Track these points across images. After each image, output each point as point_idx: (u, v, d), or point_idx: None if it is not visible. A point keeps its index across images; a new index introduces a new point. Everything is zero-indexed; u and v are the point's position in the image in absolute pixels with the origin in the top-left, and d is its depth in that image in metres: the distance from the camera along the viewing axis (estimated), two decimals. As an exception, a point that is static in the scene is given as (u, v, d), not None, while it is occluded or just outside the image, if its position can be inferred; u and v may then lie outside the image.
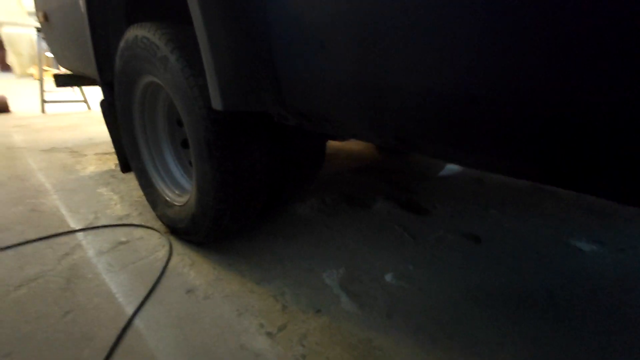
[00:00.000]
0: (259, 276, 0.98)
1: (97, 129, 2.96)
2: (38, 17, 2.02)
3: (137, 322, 0.81)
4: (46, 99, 3.76)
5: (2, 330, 0.77)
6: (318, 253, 1.10)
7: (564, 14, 0.35)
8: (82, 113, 3.88)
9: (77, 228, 1.23)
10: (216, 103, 0.72)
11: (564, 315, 0.89)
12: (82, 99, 3.99)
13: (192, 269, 1.02)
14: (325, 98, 0.64)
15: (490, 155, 0.49)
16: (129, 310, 0.85)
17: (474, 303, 0.92)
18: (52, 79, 2.32)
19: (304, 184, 1.20)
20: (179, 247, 1.12)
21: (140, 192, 1.55)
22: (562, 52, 0.36)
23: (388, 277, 0.99)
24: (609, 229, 1.37)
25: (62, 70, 3.15)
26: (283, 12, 0.62)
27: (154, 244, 1.14)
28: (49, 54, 3.91)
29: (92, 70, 1.72)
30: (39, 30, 3.72)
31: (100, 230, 1.23)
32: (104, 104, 1.30)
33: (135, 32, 0.94)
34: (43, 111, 3.75)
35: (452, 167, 2.12)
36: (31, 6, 6.13)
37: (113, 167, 1.94)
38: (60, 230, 1.21)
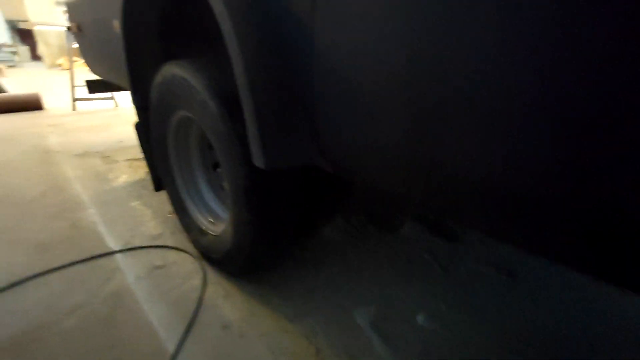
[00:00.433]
0: (291, 312, 1.00)
1: (125, 130, 3.03)
2: (72, 27, 2.06)
3: (178, 360, 0.85)
4: (76, 94, 3.88)
5: (55, 365, 0.83)
6: (348, 286, 1.11)
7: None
8: (110, 110, 3.99)
9: (115, 249, 1.28)
10: (258, 161, 0.71)
11: (605, 371, 0.86)
12: (110, 96, 4.09)
13: (226, 300, 1.04)
14: (367, 160, 0.63)
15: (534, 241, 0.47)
16: (169, 346, 0.88)
17: (508, 351, 0.90)
18: (86, 86, 2.39)
19: (335, 214, 1.20)
20: (212, 275, 1.15)
21: (169, 206, 1.59)
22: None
23: (420, 319, 0.99)
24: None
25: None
26: (331, 75, 0.60)
27: (188, 269, 1.18)
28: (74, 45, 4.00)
29: (125, 84, 1.75)
30: (68, 28, 3.81)
31: (137, 251, 1.28)
32: (138, 126, 1.32)
33: (173, 71, 0.94)
34: (74, 109, 3.88)
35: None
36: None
37: (143, 175, 2.00)
38: (100, 252, 1.26)
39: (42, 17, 8.34)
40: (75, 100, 3.84)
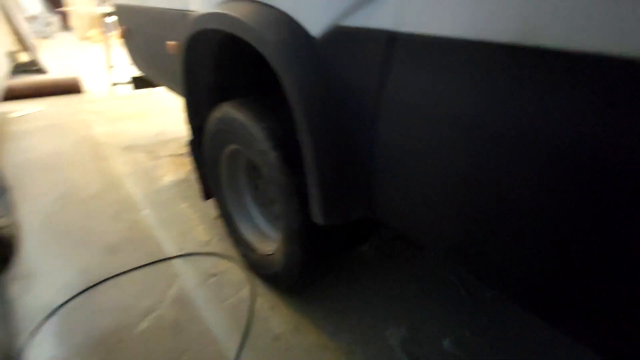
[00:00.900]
0: (331, 329, 1.14)
1: (160, 120, 3.17)
2: (121, 29, 2.16)
3: (238, 367, 1.01)
4: (113, 78, 4.03)
5: (140, 364, 1.01)
6: (380, 306, 1.23)
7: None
8: (145, 95, 4.14)
9: (172, 254, 1.45)
10: (318, 219, 0.82)
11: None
12: (144, 80, 4.22)
13: (273, 313, 1.19)
14: (418, 222, 0.72)
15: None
16: (230, 355, 1.05)
17: (525, 380, 1.01)
18: (132, 83, 2.51)
19: (372, 236, 1.30)
20: (259, 286, 1.30)
21: (215, 211, 1.73)
22: None
23: (445, 343, 1.11)
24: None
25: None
26: (393, 153, 0.68)
27: (237, 279, 1.33)
28: (109, 20, 4.08)
29: (174, 91, 1.86)
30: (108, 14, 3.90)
31: (192, 257, 1.44)
32: (192, 144, 1.44)
33: (234, 115, 1.03)
34: (112, 93, 4.05)
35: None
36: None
37: (185, 175, 2.15)
38: (160, 257, 1.43)
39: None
40: (113, 84, 4.00)
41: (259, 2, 0.83)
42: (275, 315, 1.18)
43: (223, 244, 1.52)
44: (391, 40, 0.60)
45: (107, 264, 1.39)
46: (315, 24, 0.71)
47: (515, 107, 0.48)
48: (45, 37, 9.78)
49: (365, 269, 1.40)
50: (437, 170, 0.61)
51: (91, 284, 1.28)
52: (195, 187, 1.99)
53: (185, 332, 1.11)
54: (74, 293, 1.25)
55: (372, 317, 1.19)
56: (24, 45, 4.78)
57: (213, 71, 1.23)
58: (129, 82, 2.54)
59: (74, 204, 1.79)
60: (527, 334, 1.15)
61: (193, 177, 2.09)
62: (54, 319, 1.15)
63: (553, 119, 0.45)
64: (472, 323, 1.18)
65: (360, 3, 0.63)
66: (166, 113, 3.36)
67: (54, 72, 5.01)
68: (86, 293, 1.25)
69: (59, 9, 9.80)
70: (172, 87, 1.86)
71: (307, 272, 1.06)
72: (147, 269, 1.38)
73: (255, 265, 1.30)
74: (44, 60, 5.06)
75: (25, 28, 4.65)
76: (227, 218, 1.40)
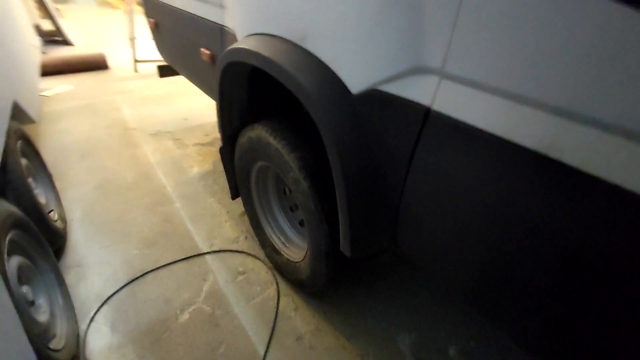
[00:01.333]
0: (348, 332, 1.27)
1: (184, 103, 3.23)
2: (148, 22, 2.18)
3: (266, 361, 1.16)
4: (137, 55, 4.07)
5: (188, 356, 1.17)
6: (393, 312, 1.35)
7: None
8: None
9: (204, 250, 1.59)
10: (345, 250, 0.91)
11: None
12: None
13: (297, 313, 1.33)
14: (440, 263, 0.81)
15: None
16: (260, 350, 1.20)
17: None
18: (157, 71, 2.57)
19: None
20: (283, 286, 1.43)
21: (241, 207, 1.85)
22: None
23: (452, 351, 1.23)
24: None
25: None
26: (418, 200, 0.76)
27: (264, 279, 1.46)
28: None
29: (202, 89, 1.93)
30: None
31: (222, 254, 1.58)
32: (223, 151, 1.52)
33: (269, 140, 1.09)
34: (136, 70, 4.11)
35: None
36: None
37: (211, 166, 2.25)
38: (194, 252, 1.57)
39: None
40: (136, 62, 4.05)
41: (299, 46, 0.87)
42: (298, 316, 1.32)
43: (249, 243, 1.65)
44: (426, 114, 0.65)
45: (146, 257, 1.54)
46: (356, 83, 0.76)
47: (523, 203, 0.55)
48: (63, 2, 9.69)
49: (381, 275, 1.51)
50: (449, 226, 0.69)
51: (135, 276, 1.44)
52: (220, 181, 2.10)
53: (221, 326, 1.27)
54: (121, 284, 1.41)
55: (386, 322, 1.31)
56: (46, 13, 4.82)
57: (246, 92, 1.28)
58: (155, 68, 2.59)
59: (111, 195, 1.94)
60: None
61: (218, 170, 2.20)
62: (106, 308, 1.31)
63: (553, 219, 0.52)
64: (477, 334, 1.29)
65: (402, 74, 0.67)
66: (190, 95, 3.42)
67: (78, 44, 5.07)
68: (131, 284, 1.41)
69: (77, -29, 9.62)
70: (202, 88, 1.91)
71: (331, 283, 1.17)
72: (183, 263, 1.52)
73: (280, 268, 1.42)
74: (66, 29, 5.10)
75: (46, -7, 4.65)
76: (254, 221, 1.51)
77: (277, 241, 1.44)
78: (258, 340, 1.23)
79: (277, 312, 1.32)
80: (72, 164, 2.21)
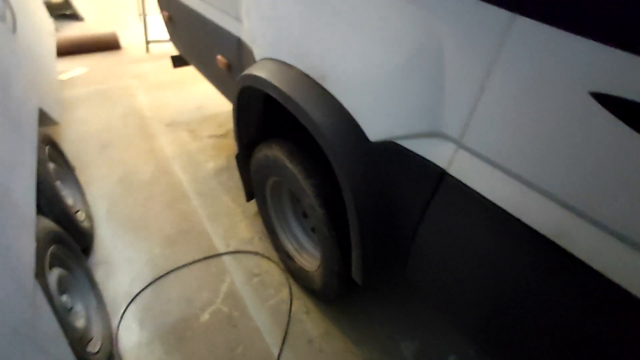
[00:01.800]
0: (355, 337, 1.36)
1: (198, 90, 3.23)
2: (162, 13, 2.15)
3: (280, 362, 1.27)
4: (149, 35, 4.02)
5: (209, 355, 1.29)
6: (399, 319, 1.43)
7: None
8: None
9: (220, 250, 1.68)
10: (357, 279, 0.97)
11: None
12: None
13: (308, 317, 1.43)
14: (443, 301, 0.87)
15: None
16: (274, 351, 1.31)
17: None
18: (170, 61, 2.56)
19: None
20: (296, 290, 1.52)
21: (255, 207, 1.91)
22: None
23: (451, 358, 1.32)
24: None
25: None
26: (428, 246, 0.80)
27: (277, 281, 1.56)
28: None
29: (214, 85, 1.93)
30: None
31: (237, 255, 1.67)
32: (238, 158, 1.56)
33: (286, 163, 1.13)
34: (147, 51, 4.07)
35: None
36: None
37: (226, 161, 2.30)
38: (211, 252, 1.67)
39: None
40: (148, 42, 4.01)
41: (318, 84, 0.88)
42: (310, 320, 1.42)
43: (263, 244, 1.73)
44: (441, 175, 0.68)
45: (168, 256, 1.65)
46: (374, 132, 0.78)
47: (523, 274, 0.59)
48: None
49: (388, 283, 1.58)
50: (454, 274, 0.75)
51: (159, 275, 1.55)
52: (234, 178, 2.15)
53: (239, 327, 1.38)
54: (146, 282, 1.52)
55: (391, 329, 1.40)
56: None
57: (262, 107, 1.30)
58: (169, 58, 2.58)
59: (133, 190, 2.02)
60: None
61: (232, 166, 2.25)
62: (134, 306, 1.43)
63: (548, 296, 0.56)
64: (477, 343, 1.37)
65: (421, 135, 0.69)
66: (202, 81, 3.38)
67: (89, 19, 5.00)
68: (156, 283, 1.52)
69: None
70: (217, 87, 1.92)
71: (343, 294, 1.25)
72: (202, 263, 1.62)
73: (293, 273, 1.51)
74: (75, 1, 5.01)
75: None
76: (269, 226, 1.58)
77: (290, 248, 1.51)
78: (272, 342, 1.34)
79: (290, 315, 1.42)
80: (93, 156, 2.29)
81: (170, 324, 1.38)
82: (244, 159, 1.54)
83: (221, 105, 2.98)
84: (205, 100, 3.08)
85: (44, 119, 1.58)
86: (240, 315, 1.42)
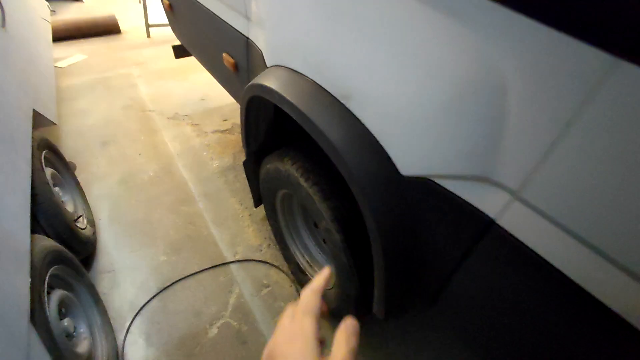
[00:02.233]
0: (369, 354, 1.31)
1: (201, 79, 3.09)
2: (162, 2, 2.00)
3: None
4: (149, 19, 3.83)
5: (214, 370, 1.25)
6: (412, 336, 1.37)
7: None
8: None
9: (228, 258, 1.62)
10: (378, 314, 0.89)
11: None
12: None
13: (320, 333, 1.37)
14: (471, 339, 0.80)
15: None
16: (285, 370, 1.26)
17: None
18: (173, 51, 2.42)
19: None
20: (306, 302, 1.46)
21: (263, 211, 1.83)
22: None
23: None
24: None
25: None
26: (462, 292, 0.73)
27: (287, 293, 1.50)
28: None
29: (213, 75, 1.82)
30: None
31: (245, 264, 1.61)
32: (246, 165, 1.47)
33: (301, 182, 1.03)
34: (148, 35, 3.90)
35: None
36: None
37: (231, 160, 2.21)
38: (218, 260, 1.60)
39: None
40: (148, 26, 3.83)
41: (340, 103, 0.77)
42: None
43: (272, 251, 1.66)
44: (488, 225, 0.58)
45: (174, 264, 1.59)
46: (408, 166, 0.68)
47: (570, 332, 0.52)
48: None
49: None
50: (487, 319, 0.68)
51: (164, 285, 1.49)
52: (240, 178, 2.07)
53: (249, 344, 1.33)
54: (152, 292, 1.47)
55: (406, 348, 1.34)
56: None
57: (272, 114, 1.19)
58: (171, 48, 2.44)
59: (135, 191, 1.95)
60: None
61: (238, 165, 2.16)
62: (140, 319, 1.38)
63: None
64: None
65: (467, 178, 0.59)
66: (205, 70, 3.26)
67: (87, 0, 4.79)
68: (161, 294, 1.47)
69: None
70: (220, 83, 1.80)
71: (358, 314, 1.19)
72: (209, 272, 1.56)
73: (303, 285, 1.44)
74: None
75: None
76: (278, 236, 1.51)
77: (301, 260, 1.44)
78: None
79: (301, 331, 1.37)
80: (94, 152, 2.21)
81: (177, 339, 1.33)
82: (252, 166, 1.45)
83: (225, 97, 2.84)
84: (208, 90, 2.95)
85: (39, 120, 1.48)
86: (249, 330, 1.37)
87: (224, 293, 1.49)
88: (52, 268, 1.02)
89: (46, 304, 0.91)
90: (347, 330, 0.36)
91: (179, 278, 1.52)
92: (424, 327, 1.41)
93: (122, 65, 3.28)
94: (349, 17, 0.69)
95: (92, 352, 1.11)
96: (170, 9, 1.93)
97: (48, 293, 0.98)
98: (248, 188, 1.99)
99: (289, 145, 1.19)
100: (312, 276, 1.38)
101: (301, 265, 1.43)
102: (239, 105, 2.74)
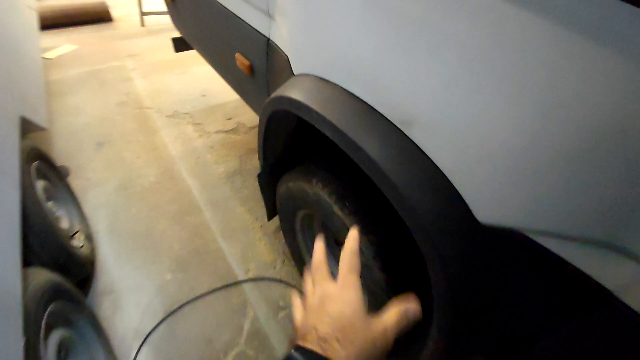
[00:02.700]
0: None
1: (200, 72, 2.90)
2: (163, -8, 1.81)
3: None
4: (143, 7, 3.59)
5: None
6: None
7: None
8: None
9: (239, 276, 1.50)
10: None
11: None
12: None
13: None
14: None
15: None
16: (308, 406, 1.16)
17: None
18: (172, 44, 2.23)
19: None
20: (327, 326, 1.36)
21: (275, 221, 1.70)
22: None
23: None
24: None
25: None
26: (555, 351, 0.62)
27: (306, 316, 1.38)
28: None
29: (217, 71, 1.67)
30: None
31: (259, 283, 1.48)
32: (261, 178, 1.33)
33: (333, 208, 0.90)
34: (142, 24, 3.66)
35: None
36: None
37: (238, 163, 2.06)
38: (228, 278, 1.48)
39: None
40: (143, 14, 3.59)
41: (394, 126, 0.64)
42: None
43: (287, 268, 1.54)
44: (607, 296, 0.47)
45: (181, 283, 1.46)
46: (489, 215, 0.55)
47: None
48: None
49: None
50: None
51: (172, 309, 1.37)
52: (248, 184, 1.93)
53: (265, 375, 1.22)
54: (159, 316, 1.34)
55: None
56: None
57: (292, 129, 1.06)
58: (170, 40, 2.25)
59: (135, 199, 1.80)
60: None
61: (245, 169, 2.01)
62: (146, 348, 1.26)
63: None
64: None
65: (576, 239, 0.47)
66: (205, 66, 3.08)
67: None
68: (169, 318, 1.35)
69: None
70: (229, 83, 1.64)
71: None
72: (220, 292, 1.44)
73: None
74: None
75: None
76: (296, 255, 1.39)
77: (322, 282, 1.32)
78: (305, 393, 1.19)
79: (323, 360, 1.26)
80: (88, 155, 2.04)
81: (189, 370, 1.22)
82: (268, 180, 1.31)
83: (227, 93, 2.67)
84: (209, 85, 2.77)
85: (27, 126, 1.31)
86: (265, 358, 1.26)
87: (238, 317, 1.37)
88: (50, 306, 0.89)
89: (43, 357, 0.78)
90: (403, 303, 0.39)
91: (187, 300, 1.40)
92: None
93: (115, 57, 3.07)
94: (420, 25, 0.55)
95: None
96: (171, 0, 1.75)
97: (45, 337, 0.85)
98: (257, 195, 1.86)
99: (314, 161, 1.06)
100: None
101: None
102: (242, 103, 2.57)
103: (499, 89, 0.47)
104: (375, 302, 0.93)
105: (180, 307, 1.38)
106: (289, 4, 0.84)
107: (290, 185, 1.10)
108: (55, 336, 0.90)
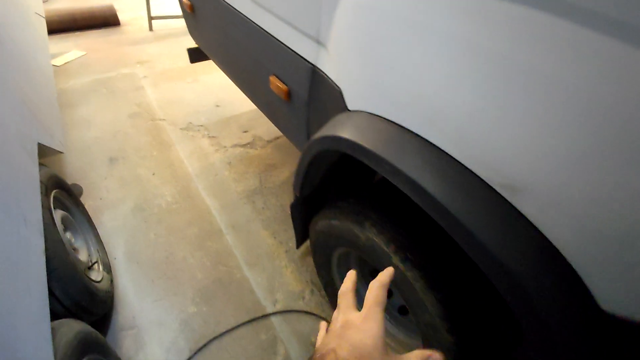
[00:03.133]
0: None
1: (214, 81, 2.81)
2: (182, 2, 1.72)
3: None
4: (151, 11, 3.49)
5: None
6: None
7: None
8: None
9: (267, 308, 1.41)
10: None
11: None
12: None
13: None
14: None
15: None
16: None
17: None
18: (188, 55, 2.14)
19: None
20: (363, 366, 1.27)
21: (303, 250, 1.61)
22: None
23: None
24: None
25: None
26: None
27: (341, 354, 1.30)
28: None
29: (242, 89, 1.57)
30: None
31: (288, 315, 1.40)
32: (293, 206, 1.25)
33: (392, 258, 0.81)
34: (151, 29, 3.56)
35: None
36: None
37: (257, 181, 1.97)
38: (255, 310, 1.39)
39: None
40: (151, 18, 3.49)
41: (492, 190, 0.55)
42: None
43: (316, 298, 1.46)
44: None
45: (206, 316, 1.37)
46: (618, 306, 0.46)
47: None
48: None
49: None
50: None
51: (198, 346, 1.28)
52: (270, 204, 1.83)
53: None
54: (184, 355, 1.26)
55: None
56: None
57: (334, 163, 0.97)
58: (186, 51, 2.16)
59: (153, 221, 1.71)
60: None
61: (265, 188, 1.92)
62: (174, 392, 1.18)
63: None
64: None
65: None
66: (217, 69, 2.98)
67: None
68: (195, 357, 1.26)
69: None
70: (258, 105, 1.55)
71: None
72: (247, 327, 1.35)
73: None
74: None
75: None
76: (330, 288, 1.30)
77: (359, 320, 1.24)
78: None
79: (362, 405, 1.18)
80: (101, 172, 1.95)
81: (219, 418, 1.14)
82: (301, 210, 1.23)
83: (241, 103, 2.58)
84: (223, 95, 2.68)
85: (44, 152, 1.22)
86: (301, 404, 1.18)
87: (268, 355, 1.28)
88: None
89: None
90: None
91: (213, 336, 1.31)
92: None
93: (124, 64, 2.98)
94: (544, 76, 0.46)
95: None
96: (191, 10, 1.65)
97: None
98: (280, 217, 1.78)
99: (362, 200, 0.97)
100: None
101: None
102: (257, 114, 2.48)
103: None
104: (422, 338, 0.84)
105: (206, 344, 1.29)
106: (354, 34, 0.75)
107: (334, 223, 1.01)
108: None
